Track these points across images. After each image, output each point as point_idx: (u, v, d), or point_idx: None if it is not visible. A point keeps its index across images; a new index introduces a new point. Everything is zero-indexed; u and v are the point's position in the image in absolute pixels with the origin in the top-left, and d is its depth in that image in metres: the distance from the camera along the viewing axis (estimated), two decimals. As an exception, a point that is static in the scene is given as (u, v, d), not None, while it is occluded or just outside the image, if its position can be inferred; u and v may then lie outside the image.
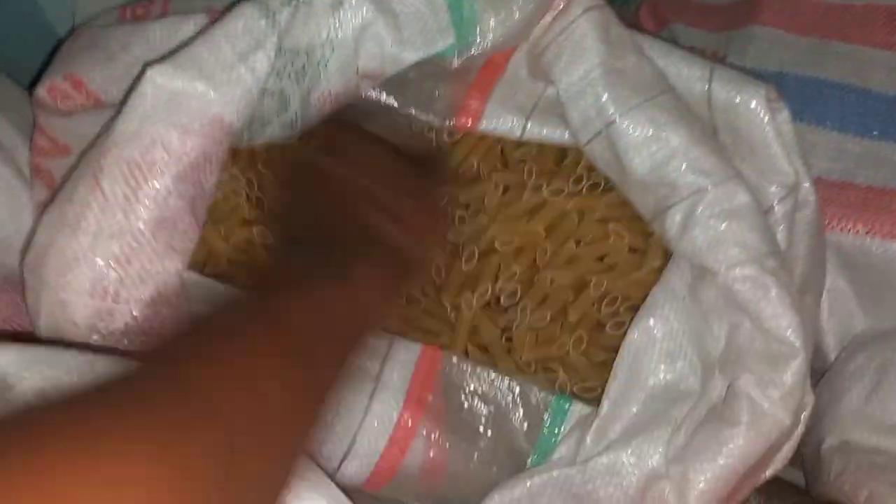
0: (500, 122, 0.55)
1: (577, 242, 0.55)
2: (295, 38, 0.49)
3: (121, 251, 0.43)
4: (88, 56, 0.55)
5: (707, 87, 0.53)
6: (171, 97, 0.45)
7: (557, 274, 0.54)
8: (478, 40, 0.53)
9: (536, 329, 0.53)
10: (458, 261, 0.55)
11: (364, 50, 0.51)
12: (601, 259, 0.55)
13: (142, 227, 0.44)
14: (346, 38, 0.50)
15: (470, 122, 0.55)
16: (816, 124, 0.64)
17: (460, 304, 0.54)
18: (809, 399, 0.50)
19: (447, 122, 0.55)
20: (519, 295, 0.54)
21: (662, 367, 0.51)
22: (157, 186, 0.44)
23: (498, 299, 0.54)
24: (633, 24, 0.76)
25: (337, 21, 0.50)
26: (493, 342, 0.54)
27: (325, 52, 0.50)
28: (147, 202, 0.44)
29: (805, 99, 0.63)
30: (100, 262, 0.43)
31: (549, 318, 0.53)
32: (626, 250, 0.55)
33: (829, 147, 0.63)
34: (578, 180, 0.55)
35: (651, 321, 0.51)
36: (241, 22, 0.47)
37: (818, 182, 0.58)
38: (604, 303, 0.54)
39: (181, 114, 0.45)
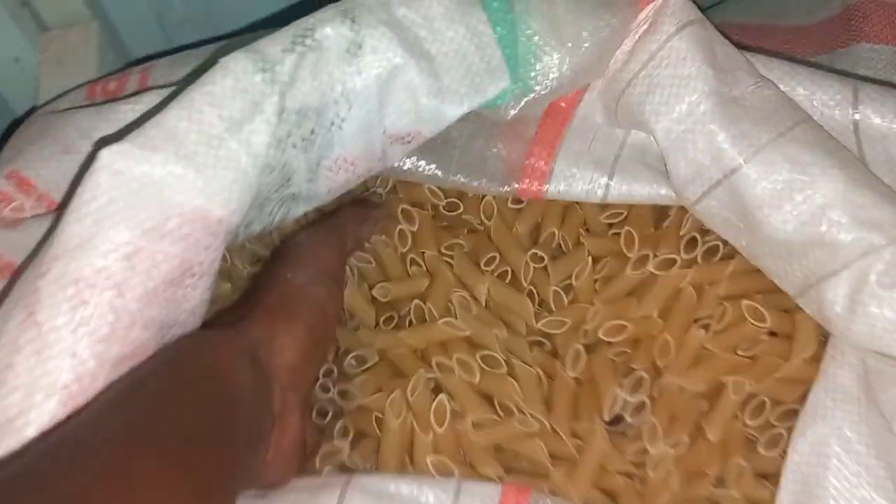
0: (575, 182, 0.42)
1: (704, 328, 0.41)
2: (301, 95, 0.36)
3: (63, 411, 0.29)
4: (39, 148, 0.43)
5: (852, 112, 0.40)
6: (137, 188, 0.32)
7: (686, 378, 0.40)
8: (539, 81, 0.40)
9: (675, 459, 0.39)
10: (559, 363, 0.41)
11: (392, 104, 0.38)
12: (734, 350, 0.41)
13: (91, 371, 0.30)
14: (368, 89, 0.37)
15: (536, 187, 0.42)
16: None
17: (580, 431, 0.40)
18: None
19: (506, 189, 0.42)
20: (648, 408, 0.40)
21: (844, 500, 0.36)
22: (116, 315, 0.31)
23: (618, 418, 0.40)
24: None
25: (355, 68, 0.37)
26: (623, 487, 0.39)
27: (340, 110, 0.37)
28: (100, 338, 0.31)
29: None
30: (30, 432, 0.29)
31: (687, 440, 0.39)
32: (765, 336, 0.41)
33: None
34: (691, 246, 0.42)
35: (818, 435, 0.37)
36: (230, 79, 0.34)
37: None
38: (747, 411, 0.40)
39: (151, 210, 0.32)
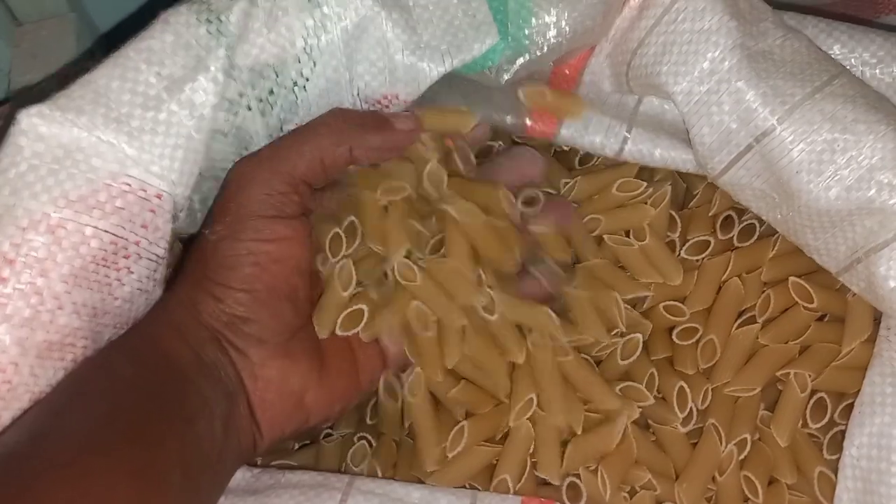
0: (588, 132, 0.38)
1: (750, 320, 0.37)
2: (255, 50, 0.31)
3: None
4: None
5: (888, 69, 0.36)
6: (62, 154, 0.27)
7: (741, 384, 0.35)
8: (534, 40, 0.36)
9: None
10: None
11: (363, 62, 0.33)
12: (787, 341, 0.37)
13: (13, 359, 0.25)
14: (334, 44, 0.32)
15: (546, 128, 0.38)
16: None
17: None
18: None
19: (515, 121, 0.38)
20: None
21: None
22: (39, 296, 0.26)
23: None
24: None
25: (317, 20, 0.32)
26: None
27: (303, 68, 0.32)
28: (20, 320, 0.26)
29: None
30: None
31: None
32: (814, 321, 0.37)
33: None
34: (728, 225, 0.37)
35: (878, 425, 0.33)
36: (170, 32, 0.29)
37: None
38: (808, 409, 0.35)
39: (77, 179, 0.27)
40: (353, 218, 0.35)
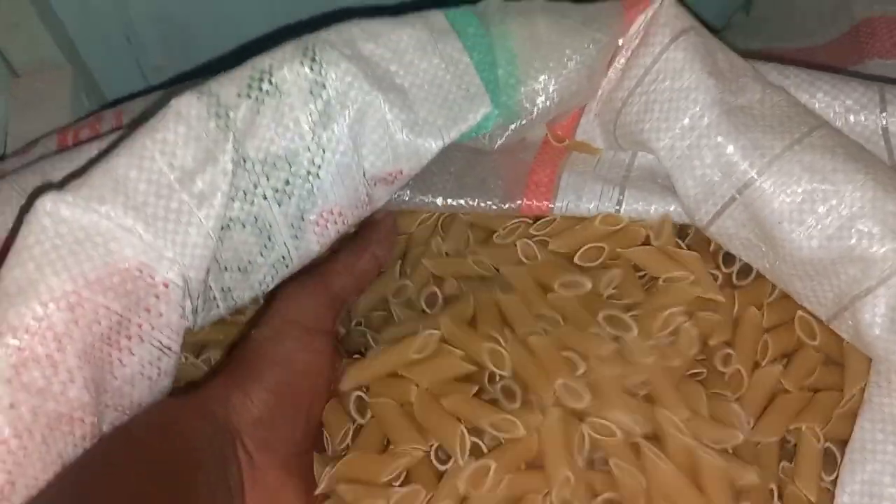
0: (584, 195, 0.39)
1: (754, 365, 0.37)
2: (265, 143, 0.34)
3: (2, 468, 0.26)
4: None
5: (880, 114, 0.36)
6: (83, 237, 0.30)
7: (764, 435, 0.36)
8: (524, 106, 0.38)
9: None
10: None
11: (367, 144, 0.36)
12: (801, 386, 0.37)
13: (28, 426, 0.27)
14: (340, 131, 0.35)
15: (542, 203, 0.39)
16: None
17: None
18: None
19: (510, 206, 0.39)
20: None
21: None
22: (54, 368, 0.28)
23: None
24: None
25: (321, 110, 0.34)
26: None
27: (314, 157, 0.35)
28: (35, 390, 0.28)
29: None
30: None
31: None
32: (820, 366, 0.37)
33: None
34: (729, 261, 0.38)
35: (870, 472, 0.33)
36: (182, 125, 0.32)
37: None
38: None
39: (95, 261, 0.29)
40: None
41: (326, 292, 0.37)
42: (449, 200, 0.39)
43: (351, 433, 0.36)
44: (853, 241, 0.33)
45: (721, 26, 0.65)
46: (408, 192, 0.40)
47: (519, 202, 0.39)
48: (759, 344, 0.37)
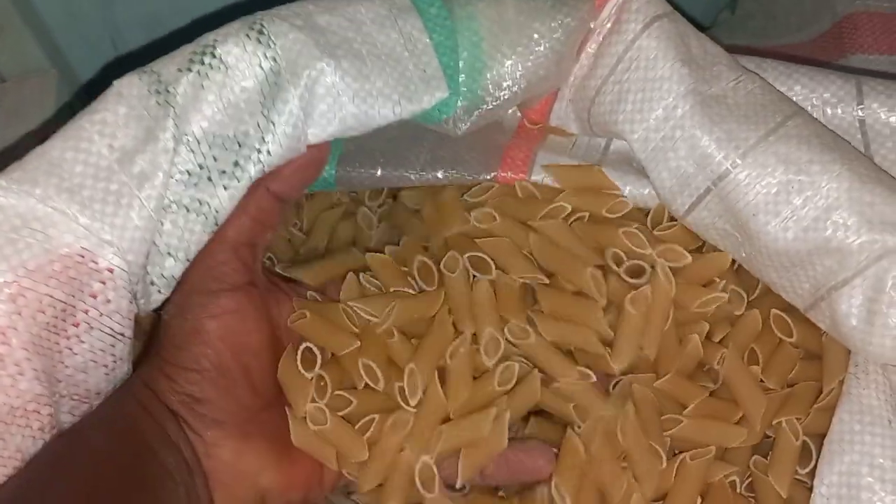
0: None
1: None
2: (212, 120, 0.32)
3: None
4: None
5: (856, 107, 0.36)
6: (19, 224, 0.29)
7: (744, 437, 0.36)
8: (490, 91, 0.37)
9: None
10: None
11: (316, 114, 0.34)
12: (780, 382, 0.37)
13: None
14: (290, 104, 0.33)
15: (516, 177, 0.38)
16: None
17: None
18: None
19: (484, 177, 0.38)
20: None
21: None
22: (2, 362, 0.27)
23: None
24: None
25: (271, 83, 0.33)
26: None
27: (265, 133, 0.33)
28: None
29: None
30: None
31: None
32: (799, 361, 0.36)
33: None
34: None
35: (847, 463, 0.32)
36: (123, 105, 0.31)
37: None
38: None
39: (34, 249, 0.29)
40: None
41: (220, 246, 0.33)
42: (423, 174, 0.38)
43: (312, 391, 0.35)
44: (829, 232, 0.33)
45: (709, 24, 0.65)
46: (379, 169, 0.38)
47: (494, 174, 0.38)
48: (748, 348, 0.37)
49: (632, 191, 0.37)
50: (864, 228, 0.32)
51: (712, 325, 0.36)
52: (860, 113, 0.36)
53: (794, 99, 0.36)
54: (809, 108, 0.36)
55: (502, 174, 0.38)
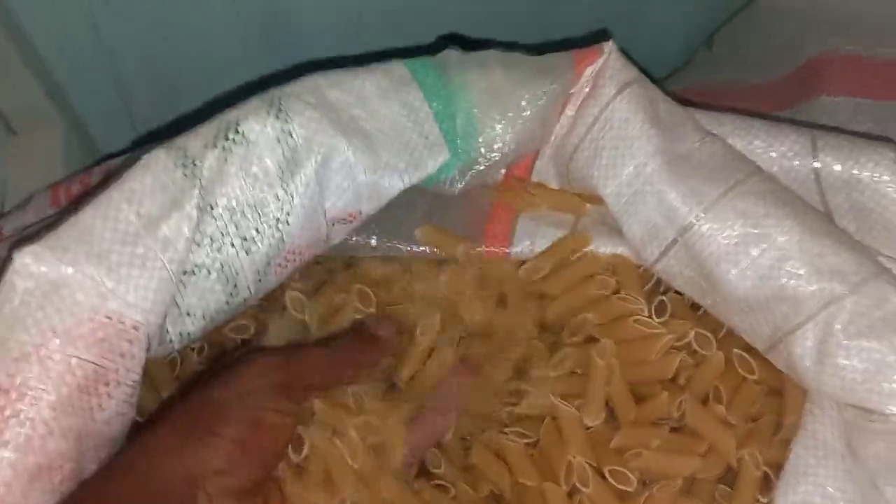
0: (538, 240, 0.41)
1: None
2: (234, 190, 0.35)
3: None
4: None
5: (812, 160, 0.39)
6: (49, 289, 0.31)
7: (708, 471, 0.38)
8: (483, 153, 0.40)
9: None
10: None
11: (331, 187, 0.37)
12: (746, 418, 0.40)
13: (8, 482, 0.29)
14: (307, 177, 0.36)
15: (500, 248, 0.41)
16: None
17: None
18: None
19: (469, 252, 0.42)
20: None
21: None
22: (31, 423, 0.30)
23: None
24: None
25: (289, 158, 0.36)
26: None
27: (283, 204, 0.36)
28: (15, 446, 0.29)
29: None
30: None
31: None
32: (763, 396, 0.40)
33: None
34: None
35: (802, 493, 0.35)
36: (149, 176, 0.34)
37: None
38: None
39: (63, 313, 0.31)
40: None
41: (297, 385, 0.36)
42: (413, 247, 0.42)
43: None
44: (783, 280, 0.36)
45: (685, 62, 0.68)
46: (374, 238, 0.42)
47: (480, 248, 0.42)
48: (711, 387, 0.40)
49: (604, 250, 0.41)
50: (813, 277, 0.35)
51: (680, 368, 0.40)
52: (815, 165, 0.39)
53: (754, 152, 0.40)
54: (768, 160, 0.40)
55: (487, 249, 0.42)
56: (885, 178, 0.37)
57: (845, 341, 0.35)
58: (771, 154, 0.40)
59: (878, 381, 0.34)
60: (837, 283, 0.35)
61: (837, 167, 0.39)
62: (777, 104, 0.59)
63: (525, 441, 0.40)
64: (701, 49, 0.69)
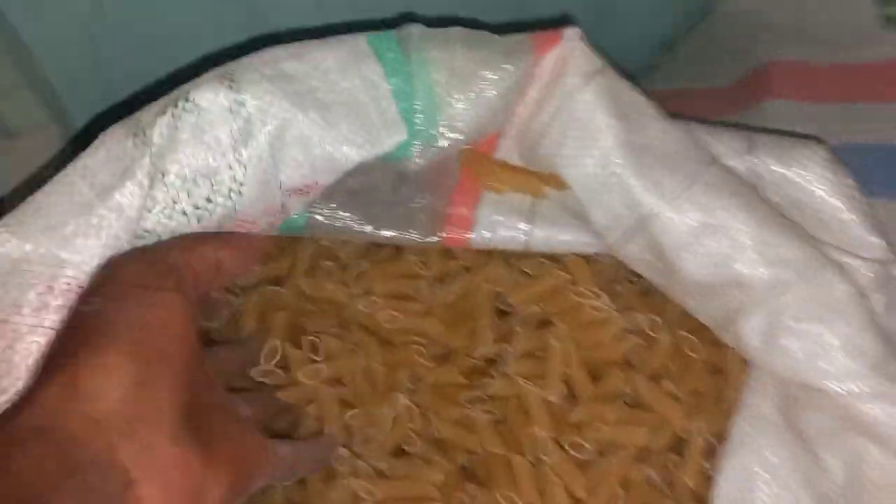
0: (499, 230, 0.43)
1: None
2: (186, 157, 0.36)
3: None
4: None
5: (749, 159, 0.42)
6: (10, 267, 0.33)
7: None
8: (443, 133, 0.41)
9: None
10: None
11: (286, 159, 0.38)
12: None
13: None
14: (261, 148, 0.37)
15: (461, 234, 0.43)
16: (874, 196, 0.53)
17: None
18: None
19: (432, 239, 0.43)
20: None
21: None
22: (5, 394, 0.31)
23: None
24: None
25: (242, 128, 0.36)
26: None
27: (236, 174, 0.37)
28: None
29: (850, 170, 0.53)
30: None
31: None
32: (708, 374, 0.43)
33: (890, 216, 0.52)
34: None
35: (742, 462, 0.38)
36: (102, 149, 0.35)
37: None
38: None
39: (24, 287, 0.33)
40: None
41: (162, 260, 0.34)
42: (375, 230, 0.42)
43: None
44: (736, 268, 0.39)
45: (645, 65, 0.71)
46: (337, 221, 0.42)
47: (442, 234, 0.43)
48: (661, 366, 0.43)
49: (564, 235, 0.43)
50: (764, 266, 0.38)
51: (633, 350, 0.43)
52: (753, 162, 0.42)
53: (698, 137, 0.42)
54: (706, 151, 0.42)
55: (448, 235, 0.43)
56: (815, 174, 0.41)
57: (791, 325, 0.38)
58: (720, 149, 0.43)
59: (818, 361, 0.37)
60: (784, 270, 0.38)
61: (772, 166, 0.42)
62: (730, 107, 0.62)
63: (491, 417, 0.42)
64: (660, 54, 0.72)
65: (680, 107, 0.67)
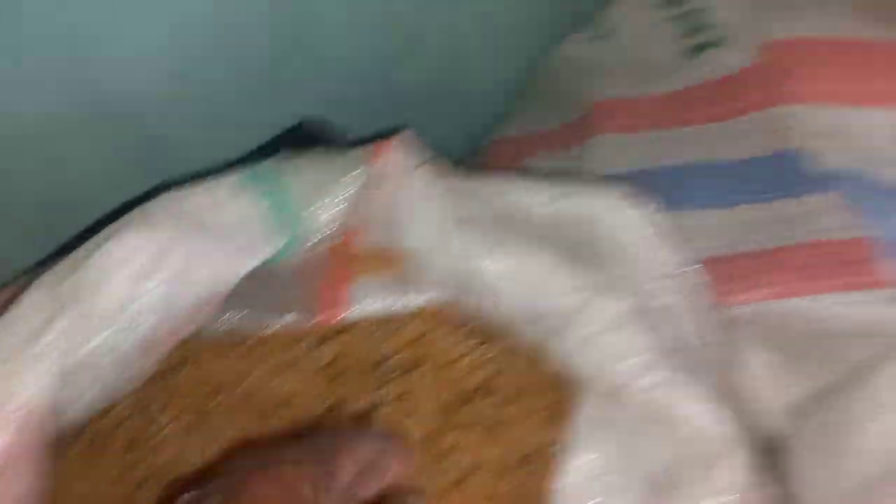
0: (369, 304, 0.53)
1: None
2: (100, 300, 0.45)
3: None
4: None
5: (553, 208, 0.52)
6: None
7: None
8: (311, 234, 0.52)
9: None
10: None
11: (189, 281, 0.48)
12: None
13: None
14: (166, 278, 0.47)
15: (336, 314, 0.53)
16: (685, 209, 0.64)
17: None
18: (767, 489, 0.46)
19: (313, 320, 0.52)
20: None
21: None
22: None
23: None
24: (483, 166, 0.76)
25: (143, 265, 0.46)
26: None
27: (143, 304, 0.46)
28: None
29: (665, 188, 0.63)
30: None
31: None
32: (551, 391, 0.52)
33: (705, 225, 0.63)
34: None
35: (580, 461, 0.48)
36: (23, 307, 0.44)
37: (709, 261, 0.57)
38: None
39: None
40: None
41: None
42: (260, 322, 0.51)
43: None
44: (547, 300, 0.49)
45: (501, 111, 0.81)
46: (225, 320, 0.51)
47: (318, 317, 0.52)
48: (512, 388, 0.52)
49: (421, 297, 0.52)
50: (561, 295, 0.48)
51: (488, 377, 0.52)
52: (555, 209, 0.52)
53: (507, 200, 0.52)
54: (516, 209, 0.52)
55: (324, 317, 0.51)
56: (608, 212, 0.51)
57: (592, 338, 0.48)
58: (522, 206, 0.53)
59: (618, 364, 0.47)
60: (577, 296, 0.48)
61: (573, 210, 0.52)
62: (565, 146, 0.72)
63: None
64: (518, 101, 0.82)
65: (530, 148, 0.78)
